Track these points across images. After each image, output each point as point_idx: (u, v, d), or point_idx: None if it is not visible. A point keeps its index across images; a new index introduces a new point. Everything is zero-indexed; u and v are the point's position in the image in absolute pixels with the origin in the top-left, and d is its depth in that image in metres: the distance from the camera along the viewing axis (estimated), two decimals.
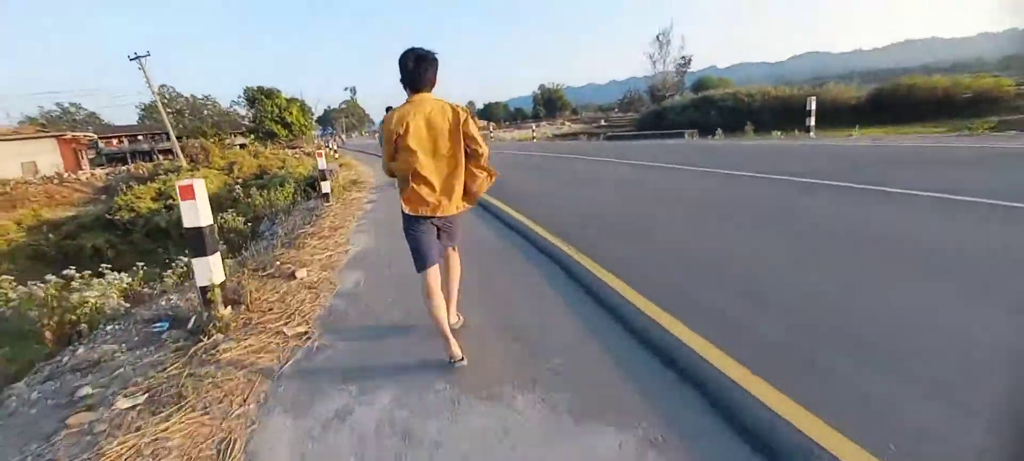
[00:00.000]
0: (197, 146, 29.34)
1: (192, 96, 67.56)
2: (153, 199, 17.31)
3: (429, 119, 2.48)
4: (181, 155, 28.34)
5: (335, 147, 26.40)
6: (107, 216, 16.23)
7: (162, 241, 11.19)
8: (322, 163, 8.92)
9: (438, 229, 2.75)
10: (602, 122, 66.88)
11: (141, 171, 31.07)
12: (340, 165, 18.80)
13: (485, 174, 2.74)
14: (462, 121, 2.54)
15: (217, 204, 16.35)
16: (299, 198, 11.37)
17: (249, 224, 8.89)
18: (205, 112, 68.41)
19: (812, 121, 14.02)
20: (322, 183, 8.99)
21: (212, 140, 51.10)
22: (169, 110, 68.03)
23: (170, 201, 16.64)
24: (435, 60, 2.51)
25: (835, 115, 29.72)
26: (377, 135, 12.82)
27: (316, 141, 50.00)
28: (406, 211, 2.63)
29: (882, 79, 37.72)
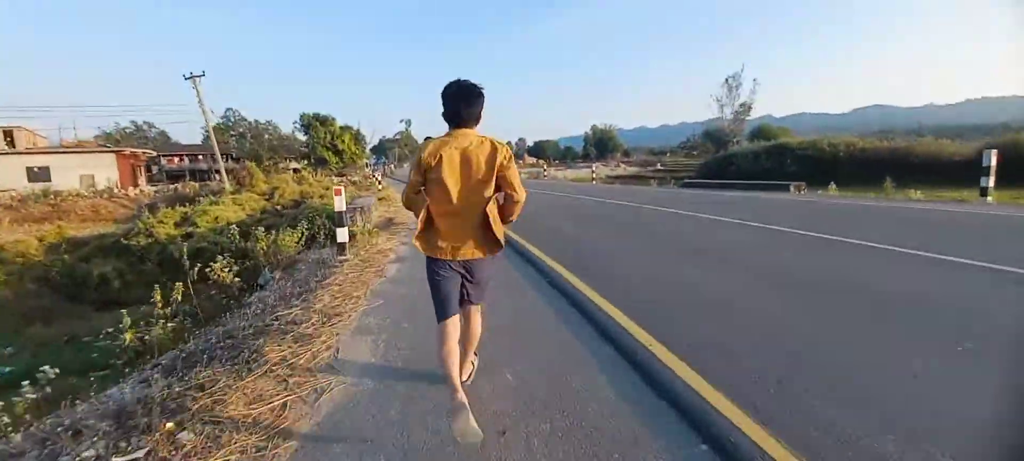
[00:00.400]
0: (242, 169, 28.60)
1: (255, 120, 69.89)
2: (176, 225, 15.85)
3: (465, 153, 2.22)
4: (225, 177, 27.59)
5: (380, 177, 24.74)
6: (123, 240, 14.77)
7: (174, 273, 9.23)
8: (340, 203, 6.62)
9: (462, 278, 2.42)
10: (658, 165, 63.81)
11: (187, 190, 30.62)
12: (380, 199, 16.83)
13: (507, 211, 2.44)
14: (500, 161, 2.26)
15: (242, 234, 14.51)
16: (321, 238, 9.19)
17: (238, 279, 6.65)
18: (265, 136, 70.49)
19: (991, 181, 10.65)
20: (338, 230, 6.65)
21: (267, 163, 51.76)
22: (232, 132, 70.64)
23: (190, 228, 15.03)
24: (481, 94, 2.26)
25: (940, 171, 25.64)
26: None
27: (367, 169, 49.46)
28: (422, 251, 2.43)
29: (952, 135, 33.13)
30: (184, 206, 19.26)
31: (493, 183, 2.29)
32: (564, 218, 10.79)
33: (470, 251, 2.33)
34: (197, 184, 33.38)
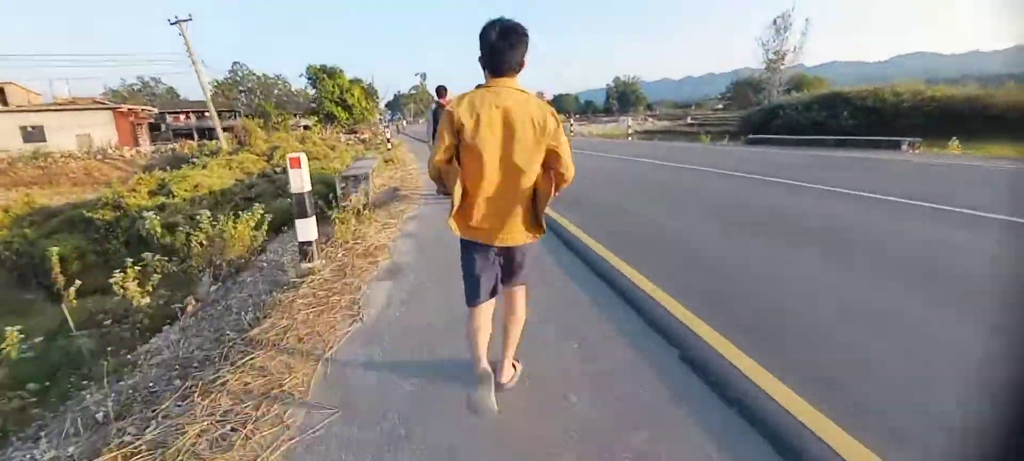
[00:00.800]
0: (241, 127, 26.19)
1: (264, 75, 67.17)
2: (150, 193, 13.60)
3: (508, 114, 1.81)
4: (221, 136, 25.24)
5: (389, 136, 22.14)
6: (85, 213, 12.63)
7: (142, 251, 7.05)
8: (299, 179, 4.05)
9: (499, 263, 2.09)
10: (688, 119, 59.66)
11: (186, 150, 28.53)
12: (386, 161, 14.31)
13: (550, 186, 1.94)
14: (551, 128, 1.86)
15: (229, 201, 12.26)
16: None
17: (147, 298, 4.26)
18: (275, 91, 67.89)
19: None
20: (299, 224, 4.14)
21: (275, 120, 49.40)
22: (240, 88, 68.27)
23: (166, 200, 12.77)
24: (525, 35, 1.84)
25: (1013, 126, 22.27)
26: (427, 123, 8.30)
27: (379, 125, 46.53)
28: (455, 232, 1.99)
29: (1003, 84, 29.35)
30: (165, 170, 16.98)
31: (541, 153, 1.89)
32: (641, 199, 7.74)
33: (512, 236, 1.95)
34: (196, 143, 31.25)
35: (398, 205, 7.37)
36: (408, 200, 7.83)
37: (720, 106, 65.08)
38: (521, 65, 1.88)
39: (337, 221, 5.14)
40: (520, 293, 2.19)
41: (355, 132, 41.79)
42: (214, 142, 27.89)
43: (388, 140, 20.74)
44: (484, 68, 1.90)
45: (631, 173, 10.92)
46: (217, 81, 69.73)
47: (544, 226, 2.00)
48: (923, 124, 26.25)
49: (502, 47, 1.81)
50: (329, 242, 5.01)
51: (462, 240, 2.04)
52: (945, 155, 11.90)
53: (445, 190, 2.01)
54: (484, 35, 1.83)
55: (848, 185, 7.40)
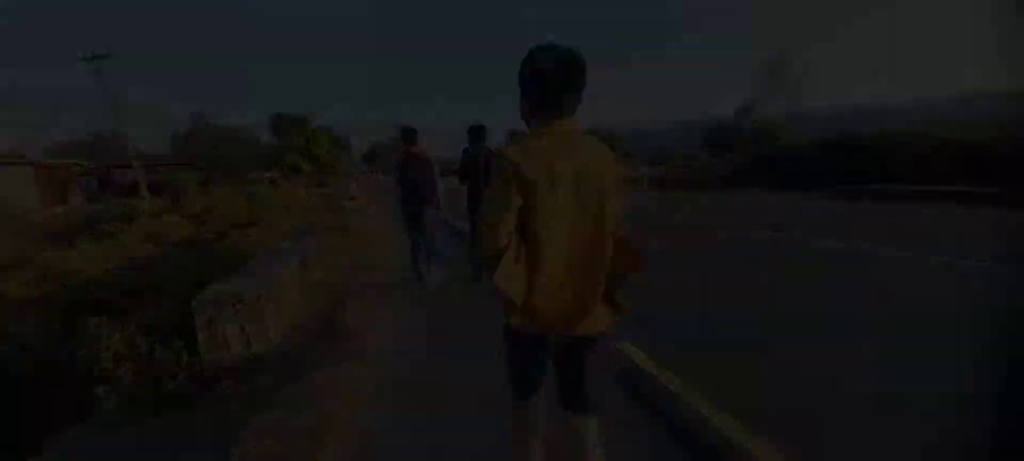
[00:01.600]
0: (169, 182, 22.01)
1: (228, 126, 62.84)
2: None
3: (583, 165, 1.38)
4: (145, 192, 21.00)
5: (353, 192, 18.20)
6: None
7: None
8: None
9: (562, 358, 1.55)
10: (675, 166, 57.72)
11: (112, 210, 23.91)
12: (342, 230, 10.28)
13: (630, 257, 1.47)
14: (621, 178, 1.47)
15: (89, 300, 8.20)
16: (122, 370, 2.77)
17: None
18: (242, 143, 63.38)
19: None
20: None
21: (238, 173, 44.94)
22: (201, 139, 63.65)
23: None
24: (585, 66, 1.41)
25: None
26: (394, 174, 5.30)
27: (350, 178, 42.55)
28: (516, 324, 1.45)
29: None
30: (57, 241, 12.59)
31: (615, 213, 1.44)
32: None
33: (593, 320, 1.44)
34: (125, 201, 26.70)
35: (326, 395, 3.33)
36: (361, 359, 3.76)
37: (699, 154, 65.34)
38: (577, 103, 1.44)
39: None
40: (593, 432, 1.56)
41: (323, 184, 37.74)
42: (145, 201, 23.50)
43: (351, 198, 16.74)
44: (537, 109, 1.43)
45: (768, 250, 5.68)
46: (177, 133, 65.31)
47: (626, 306, 1.50)
48: (946, 166, 23.86)
49: (562, 81, 1.38)
50: None
51: (515, 331, 1.48)
52: None
53: (485, 265, 1.39)
54: (536, 67, 1.37)
55: None
